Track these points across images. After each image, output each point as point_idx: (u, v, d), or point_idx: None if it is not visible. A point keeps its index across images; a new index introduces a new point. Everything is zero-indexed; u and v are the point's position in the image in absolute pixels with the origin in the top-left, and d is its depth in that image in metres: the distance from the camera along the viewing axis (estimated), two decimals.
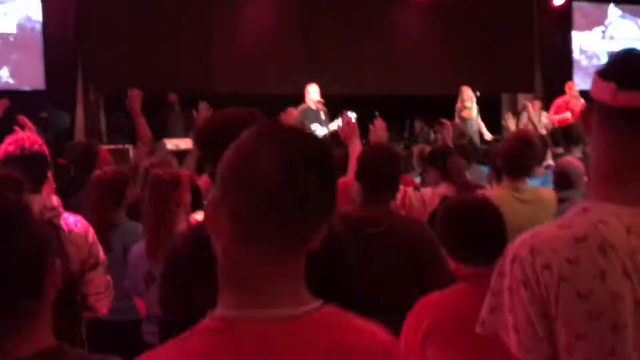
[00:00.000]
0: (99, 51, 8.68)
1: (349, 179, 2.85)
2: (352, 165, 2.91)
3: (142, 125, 4.10)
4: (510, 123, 6.62)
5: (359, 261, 2.23)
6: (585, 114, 1.27)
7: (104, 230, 2.85)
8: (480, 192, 3.00)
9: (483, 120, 8.76)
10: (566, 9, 10.84)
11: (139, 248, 2.64)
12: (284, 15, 9.68)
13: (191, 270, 1.66)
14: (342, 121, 3.32)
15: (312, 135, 1.01)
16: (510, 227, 2.49)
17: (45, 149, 2.50)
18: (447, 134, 3.72)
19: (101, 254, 2.41)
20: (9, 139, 2.47)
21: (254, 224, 0.92)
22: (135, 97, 4.11)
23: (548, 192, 2.89)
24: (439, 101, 10.09)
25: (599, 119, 1.23)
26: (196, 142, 1.84)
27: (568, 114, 8.29)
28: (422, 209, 3.06)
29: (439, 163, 3.65)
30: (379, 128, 3.50)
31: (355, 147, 3.07)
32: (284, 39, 9.57)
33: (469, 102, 8.15)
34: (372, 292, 2.21)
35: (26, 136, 2.52)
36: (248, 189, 0.91)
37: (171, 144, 7.85)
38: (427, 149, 4.59)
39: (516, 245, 1.22)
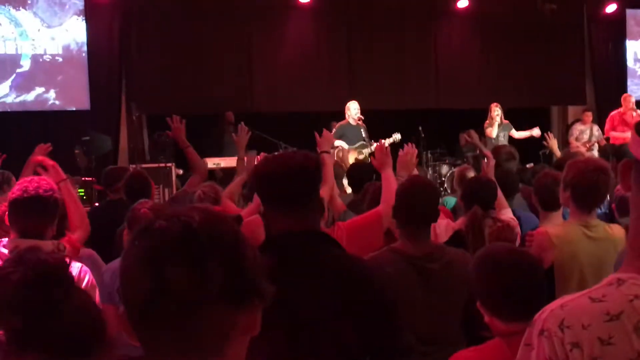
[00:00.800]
0: (142, 71, 8.82)
1: (381, 209, 2.73)
2: (385, 195, 2.78)
3: (193, 155, 4.07)
4: (554, 144, 6.12)
5: (423, 297, 2.18)
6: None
7: None
8: (545, 227, 2.78)
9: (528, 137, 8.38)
10: (619, 17, 10.41)
11: None
12: (324, 31, 9.63)
13: None
14: (376, 149, 3.17)
15: (195, 221, 0.88)
16: (581, 267, 2.32)
17: (55, 193, 2.47)
18: (488, 165, 3.48)
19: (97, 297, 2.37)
20: (20, 182, 2.47)
21: (140, 337, 0.89)
22: (178, 126, 4.05)
23: (618, 229, 2.61)
24: (484, 115, 9.82)
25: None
26: (253, 182, 1.84)
27: (628, 134, 7.87)
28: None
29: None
30: (408, 155, 3.32)
31: (388, 176, 2.93)
32: (324, 55, 9.52)
33: (494, 120, 7.89)
34: (435, 326, 2.18)
35: (35, 180, 2.49)
36: (127, 302, 0.88)
37: (212, 162, 7.90)
38: (469, 170, 4.35)
39: (545, 316, 1.14)
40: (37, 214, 2.38)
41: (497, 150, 4.21)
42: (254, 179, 1.85)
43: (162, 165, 7.73)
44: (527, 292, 1.68)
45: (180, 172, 7.85)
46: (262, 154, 4.10)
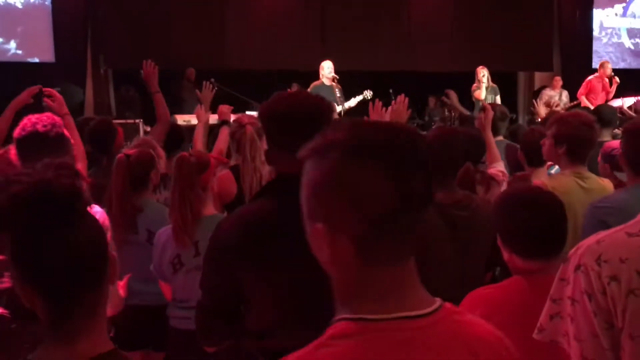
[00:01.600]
0: (110, 24, 8.52)
1: None
2: None
3: (160, 102, 3.95)
4: (542, 109, 6.23)
5: (452, 243, 2.19)
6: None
7: (129, 215, 2.77)
8: (540, 180, 2.84)
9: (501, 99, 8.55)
10: None
11: (165, 232, 2.54)
12: None
13: (244, 258, 1.63)
14: (371, 109, 3.08)
15: (411, 135, 0.93)
16: (575, 216, 2.38)
17: (62, 128, 2.40)
18: (486, 117, 3.50)
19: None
20: (23, 121, 2.38)
21: (377, 245, 0.89)
22: (151, 71, 3.94)
23: (607, 182, 2.72)
24: (454, 78, 9.91)
25: None
26: (261, 117, 1.76)
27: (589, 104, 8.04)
28: None
29: None
30: (400, 105, 3.30)
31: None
32: (298, 14, 9.39)
33: (481, 82, 7.98)
34: (464, 271, 2.19)
35: (34, 117, 2.42)
36: (365, 212, 0.87)
37: (182, 119, 7.75)
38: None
39: (581, 252, 1.17)
40: (44, 150, 2.29)
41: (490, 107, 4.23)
42: (263, 115, 1.79)
43: (130, 121, 7.55)
44: (547, 230, 1.72)
45: (148, 128, 7.69)
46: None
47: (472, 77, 8.28)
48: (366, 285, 0.90)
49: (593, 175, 2.70)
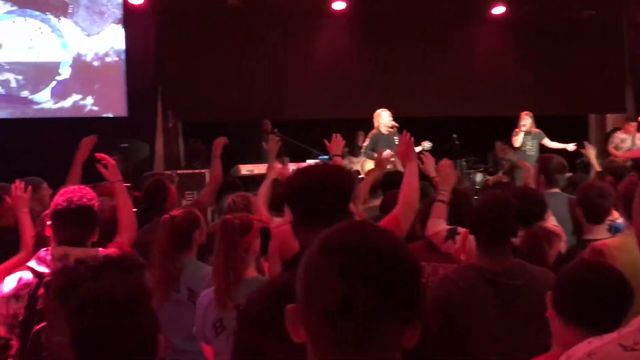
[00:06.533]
0: (178, 79, 8.94)
1: (397, 212, 2.50)
2: (405, 192, 2.55)
3: (216, 166, 4.30)
4: (592, 154, 5.78)
5: (502, 313, 2.12)
6: None
7: (171, 274, 2.84)
8: (599, 241, 2.71)
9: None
10: None
11: (208, 294, 2.56)
12: (357, 38, 9.63)
13: (268, 330, 1.59)
14: (400, 140, 2.99)
15: (380, 242, 0.95)
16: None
17: (95, 203, 2.51)
18: (529, 175, 3.39)
19: None
20: (61, 191, 2.51)
21: (325, 341, 0.93)
22: (219, 142, 4.41)
23: None
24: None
25: None
26: (285, 196, 1.81)
27: None
28: None
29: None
30: (446, 168, 3.23)
31: (412, 169, 2.69)
32: (356, 62, 9.51)
33: (520, 128, 7.77)
34: (515, 343, 2.11)
35: (77, 189, 2.53)
36: (312, 311, 0.93)
37: (245, 169, 7.97)
38: (503, 180, 4.26)
39: (576, 356, 1.07)
40: (81, 224, 2.44)
41: (547, 159, 4.10)
42: (285, 191, 1.81)
43: (197, 171, 7.81)
44: (617, 303, 1.68)
45: None
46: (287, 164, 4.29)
47: (540, 121, 8.07)
48: None
49: None
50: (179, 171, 7.53)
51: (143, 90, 8.73)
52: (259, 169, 7.90)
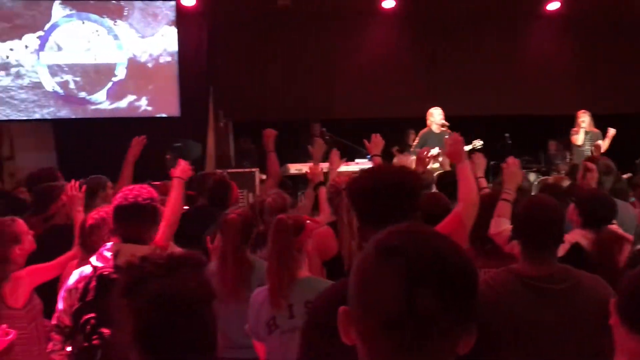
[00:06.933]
0: (228, 79, 9.07)
1: (461, 210, 2.49)
2: (463, 192, 2.53)
3: (273, 160, 4.39)
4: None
5: (545, 318, 2.08)
6: None
7: (245, 270, 2.91)
8: None
9: (620, 142, 7.90)
10: None
11: (261, 293, 2.60)
12: (407, 36, 9.56)
13: (334, 338, 1.61)
14: (449, 139, 2.93)
15: (441, 246, 0.92)
16: None
17: (154, 201, 2.58)
18: (593, 177, 3.28)
19: None
20: (122, 189, 2.62)
21: (380, 350, 0.91)
22: (270, 134, 4.49)
23: None
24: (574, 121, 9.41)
25: None
26: (351, 196, 1.83)
27: None
28: None
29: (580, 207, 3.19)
30: (512, 167, 3.15)
31: (464, 169, 2.66)
32: (406, 61, 9.44)
33: (579, 127, 7.52)
34: (561, 348, 2.07)
35: (137, 188, 2.63)
36: (369, 315, 0.90)
37: (294, 168, 8.02)
38: (565, 180, 4.15)
39: None
40: (136, 221, 2.53)
41: (593, 162, 4.00)
42: (351, 192, 1.82)
43: (247, 170, 7.92)
44: None
45: (263, 177, 8.01)
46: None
47: (595, 120, 7.82)
48: None
49: None
50: (229, 170, 7.64)
51: (195, 90, 8.89)
52: (308, 167, 7.96)
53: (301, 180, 8.00)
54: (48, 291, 2.87)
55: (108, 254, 2.53)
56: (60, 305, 2.50)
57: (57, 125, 8.73)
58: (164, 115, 8.86)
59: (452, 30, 9.47)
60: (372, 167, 1.92)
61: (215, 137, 9.26)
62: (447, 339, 0.90)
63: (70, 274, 2.62)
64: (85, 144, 8.55)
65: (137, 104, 8.80)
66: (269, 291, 2.55)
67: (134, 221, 2.53)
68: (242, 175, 7.54)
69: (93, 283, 2.43)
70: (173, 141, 7.86)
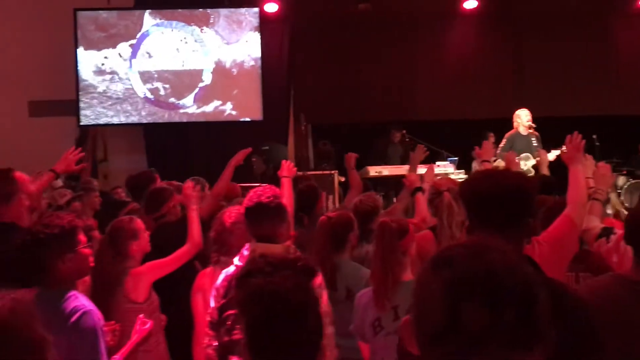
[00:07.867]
0: (309, 83, 9.22)
1: (571, 212, 2.46)
2: (573, 194, 2.52)
3: (354, 176, 4.68)
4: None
5: None
6: None
7: (328, 271, 2.97)
8: None
9: None
10: None
11: (366, 294, 2.67)
12: (490, 37, 9.40)
13: None
14: (567, 140, 2.90)
15: (495, 261, 0.88)
16: None
17: (281, 200, 2.67)
18: None
19: None
20: (250, 191, 2.73)
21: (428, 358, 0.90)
22: (351, 157, 4.86)
23: None
24: None
25: None
26: (466, 198, 1.85)
27: None
28: None
29: None
30: (603, 169, 3.11)
31: (576, 172, 2.62)
32: (490, 61, 9.29)
33: None
34: None
35: (260, 189, 2.74)
36: (419, 327, 0.90)
37: (374, 170, 8.07)
38: None
39: None
40: (263, 220, 2.62)
41: None
42: (467, 194, 1.84)
43: (326, 172, 8.03)
44: None
45: (342, 179, 8.10)
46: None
47: None
48: None
49: None
50: (309, 172, 7.77)
51: (277, 94, 9.09)
52: (388, 170, 8.01)
53: (380, 182, 8.06)
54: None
55: (246, 253, 2.66)
56: (212, 303, 2.64)
57: (147, 128, 9.14)
58: (247, 119, 9.11)
59: (535, 29, 9.24)
60: (489, 171, 1.93)
61: (296, 140, 9.43)
62: (495, 357, 0.85)
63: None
64: (174, 146, 8.92)
65: (222, 108, 9.09)
66: (373, 293, 2.61)
67: (261, 220, 2.63)
68: (322, 177, 7.63)
69: (234, 281, 2.56)
70: (260, 144, 8.06)
